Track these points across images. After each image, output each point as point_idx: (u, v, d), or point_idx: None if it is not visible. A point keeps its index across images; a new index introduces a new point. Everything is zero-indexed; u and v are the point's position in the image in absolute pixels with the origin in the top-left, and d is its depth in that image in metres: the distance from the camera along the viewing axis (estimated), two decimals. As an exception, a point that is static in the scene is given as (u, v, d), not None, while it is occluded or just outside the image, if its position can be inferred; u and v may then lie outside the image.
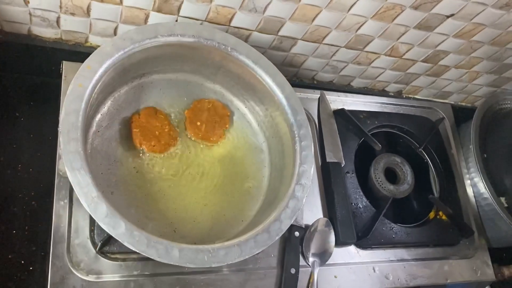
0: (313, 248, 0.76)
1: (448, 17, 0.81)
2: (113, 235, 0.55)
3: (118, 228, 0.55)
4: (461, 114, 1.09)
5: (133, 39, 0.66)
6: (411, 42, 0.88)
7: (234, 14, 0.77)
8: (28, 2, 0.71)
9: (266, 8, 0.75)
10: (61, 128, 0.58)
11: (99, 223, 0.55)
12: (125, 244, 0.55)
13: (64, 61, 0.74)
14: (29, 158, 0.78)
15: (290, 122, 0.73)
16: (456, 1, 0.77)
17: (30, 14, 0.74)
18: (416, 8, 0.78)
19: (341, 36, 0.84)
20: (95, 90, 0.62)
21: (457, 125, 1.06)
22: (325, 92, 0.94)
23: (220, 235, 0.70)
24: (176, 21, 0.77)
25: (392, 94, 1.08)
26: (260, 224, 0.65)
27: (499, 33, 0.87)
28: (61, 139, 0.57)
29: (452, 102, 1.14)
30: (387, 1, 0.76)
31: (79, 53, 0.82)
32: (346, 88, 1.04)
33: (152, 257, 0.56)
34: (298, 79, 1.00)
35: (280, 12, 0.77)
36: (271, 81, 0.74)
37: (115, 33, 0.80)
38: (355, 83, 1.04)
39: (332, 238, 0.78)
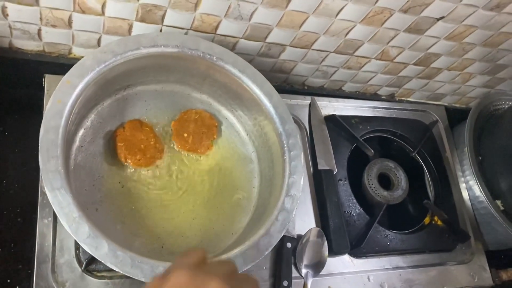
0: (306, 259, 0.75)
1: (438, 19, 0.79)
2: (95, 256, 0.53)
3: (100, 249, 0.53)
4: (455, 116, 1.08)
5: (115, 51, 0.64)
6: (401, 46, 0.87)
7: (219, 22, 0.75)
8: (7, 15, 0.69)
9: (252, 15, 0.74)
10: (40, 146, 0.56)
11: (80, 244, 0.53)
12: (108, 265, 0.53)
13: (46, 75, 0.73)
14: (14, 173, 0.76)
15: (278, 131, 0.72)
16: (446, 3, 0.75)
17: (10, 27, 0.72)
18: (405, 11, 0.76)
19: (330, 41, 0.83)
20: (76, 105, 0.60)
21: (451, 127, 1.05)
22: (316, 97, 0.92)
23: (209, 249, 0.68)
24: (161, 30, 0.75)
25: (385, 98, 1.07)
26: (249, 238, 0.63)
27: (491, 34, 0.86)
28: (40, 157, 0.55)
29: (446, 104, 1.13)
30: (375, 5, 0.74)
31: (63, 64, 0.80)
32: (337, 93, 1.02)
33: (137, 278, 0.54)
34: (288, 85, 0.98)
35: (266, 19, 0.75)
36: (259, 90, 0.73)
37: (98, 44, 0.78)
38: (347, 88, 1.02)
39: (325, 248, 0.77)
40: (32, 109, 0.80)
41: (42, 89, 0.73)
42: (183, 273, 0.38)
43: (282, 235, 0.64)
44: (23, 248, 0.71)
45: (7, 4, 0.67)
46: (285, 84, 0.98)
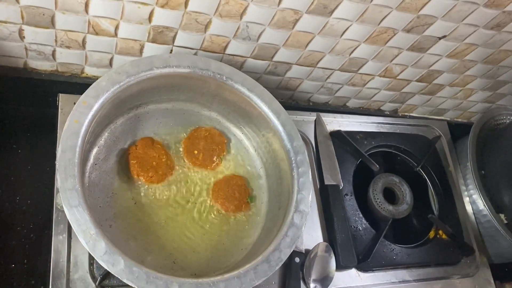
0: (314, 274, 0.76)
1: (440, 38, 0.82)
2: (112, 272, 0.55)
3: (117, 265, 0.55)
4: (458, 130, 1.10)
5: (129, 72, 0.66)
6: (404, 63, 0.89)
7: (228, 43, 0.77)
8: (24, 37, 0.72)
9: (260, 36, 0.76)
10: (58, 165, 0.58)
11: (97, 261, 0.55)
12: (124, 281, 0.55)
13: (60, 94, 0.75)
14: (27, 190, 0.77)
15: (286, 148, 0.74)
16: (447, 23, 0.77)
17: (26, 48, 0.75)
18: (408, 31, 0.79)
19: (335, 60, 0.85)
20: (91, 125, 0.62)
21: (454, 141, 1.07)
22: (321, 113, 0.94)
23: (219, 265, 0.69)
24: (171, 50, 0.78)
25: (388, 113, 1.09)
26: (259, 253, 0.65)
27: (491, 52, 0.88)
28: (58, 176, 0.57)
29: (448, 119, 1.15)
30: (379, 26, 0.76)
31: (76, 84, 0.83)
32: (342, 109, 1.05)
33: (152, 293, 0.56)
34: (294, 101, 1.00)
35: (273, 39, 0.77)
36: (267, 108, 0.75)
37: (110, 64, 0.80)
38: (351, 104, 1.04)
39: (333, 262, 0.78)
40: (45, 127, 0.82)
41: (55, 107, 0.75)
42: None
43: (292, 250, 0.65)
44: (36, 264, 0.72)
45: (24, 27, 0.69)
46: (291, 101, 1.00)
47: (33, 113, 0.83)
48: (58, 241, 0.66)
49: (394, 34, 0.79)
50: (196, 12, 0.69)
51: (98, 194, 0.68)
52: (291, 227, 0.67)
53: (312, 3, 0.69)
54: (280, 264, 0.64)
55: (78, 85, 0.83)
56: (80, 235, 0.55)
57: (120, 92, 0.66)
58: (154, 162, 0.72)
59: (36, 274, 0.71)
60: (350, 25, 0.76)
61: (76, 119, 0.61)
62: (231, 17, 0.71)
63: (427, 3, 0.72)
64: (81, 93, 0.65)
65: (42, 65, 0.80)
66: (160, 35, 0.74)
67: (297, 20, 0.73)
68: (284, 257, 0.64)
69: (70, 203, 0.56)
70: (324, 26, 0.75)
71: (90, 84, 0.66)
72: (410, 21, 0.76)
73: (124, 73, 0.66)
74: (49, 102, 0.80)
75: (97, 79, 0.65)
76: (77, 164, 0.58)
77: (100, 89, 0.64)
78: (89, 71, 0.82)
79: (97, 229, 0.56)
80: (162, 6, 0.68)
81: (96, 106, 0.62)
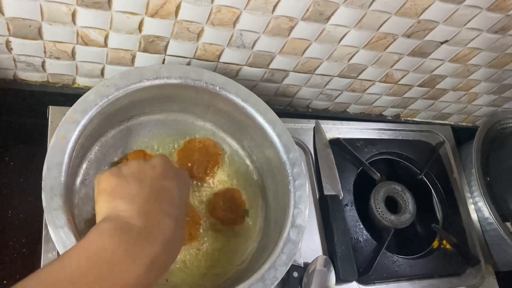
0: (312, 288, 0.74)
1: (442, 43, 0.79)
2: (99, 296, 0.53)
3: None
4: (462, 135, 1.07)
5: (117, 85, 0.64)
6: (406, 69, 0.86)
7: (222, 51, 0.75)
8: (12, 49, 0.70)
9: (254, 43, 0.74)
10: (43, 184, 0.56)
11: (84, 284, 0.53)
12: (112, 304, 0.53)
13: (50, 106, 0.73)
14: (19, 203, 0.76)
15: (282, 160, 0.71)
16: (449, 28, 0.75)
17: (14, 60, 0.73)
18: (408, 36, 0.76)
19: (333, 66, 0.83)
20: (79, 140, 0.60)
21: (458, 146, 1.04)
22: (320, 120, 0.91)
23: (214, 282, 0.67)
24: (164, 60, 0.76)
25: (390, 118, 1.06)
26: (254, 270, 0.62)
27: (496, 56, 0.85)
28: (43, 195, 0.55)
29: (452, 123, 1.12)
30: (378, 31, 0.74)
31: (67, 94, 0.81)
32: (342, 115, 1.02)
33: (141, 316, 0.53)
34: (293, 108, 0.98)
35: (269, 47, 0.75)
36: (262, 118, 0.72)
37: (102, 74, 0.79)
38: (351, 109, 1.02)
39: (333, 276, 0.76)
40: (36, 139, 0.80)
41: (46, 118, 0.73)
42: (163, 159, 0.55)
43: (288, 268, 0.63)
44: (28, 280, 0.71)
45: (11, 38, 0.68)
46: (289, 107, 0.97)
47: (25, 125, 0.82)
48: (47, 259, 0.64)
49: (394, 40, 0.77)
50: (187, 21, 0.67)
51: (89, 210, 0.66)
52: (287, 243, 0.65)
53: (308, 10, 0.67)
54: (276, 283, 0.61)
55: (70, 95, 0.81)
56: (66, 257, 0.53)
57: (109, 106, 0.63)
58: (146, 176, 0.70)
59: (28, 290, 0.70)
60: (348, 32, 0.73)
61: (62, 135, 0.59)
62: (223, 25, 0.69)
63: (427, 8, 0.69)
64: (73, 104, 0.63)
65: (32, 76, 0.78)
66: (152, 45, 0.72)
67: (292, 28, 0.71)
68: (280, 275, 0.62)
69: (55, 223, 0.54)
70: (320, 33, 0.73)
71: (83, 94, 0.64)
72: (410, 26, 0.73)
73: (113, 85, 0.64)
74: (41, 113, 0.78)
75: (89, 89, 0.63)
76: (63, 183, 0.56)
77: (88, 103, 0.62)
78: (81, 81, 0.80)
79: (84, 251, 0.54)
80: (152, 16, 0.65)
81: (83, 121, 0.60)
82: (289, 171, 0.70)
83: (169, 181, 0.52)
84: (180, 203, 0.52)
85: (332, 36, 0.74)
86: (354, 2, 0.66)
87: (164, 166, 0.54)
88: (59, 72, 0.77)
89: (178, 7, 0.64)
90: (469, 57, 0.85)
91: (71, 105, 0.63)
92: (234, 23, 0.69)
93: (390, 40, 0.77)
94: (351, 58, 0.81)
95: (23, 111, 0.81)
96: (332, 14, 0.68)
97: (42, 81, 0.80)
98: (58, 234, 0.54)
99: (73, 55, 0.73)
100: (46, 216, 0.54)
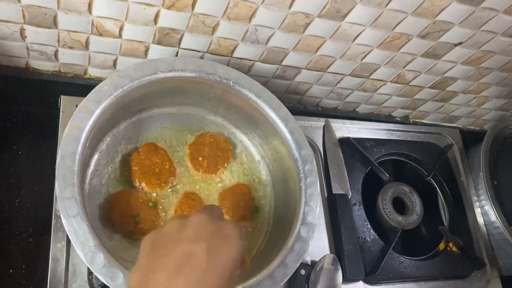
0: (320, 287, 0.73)
1: (456, 45, 0.79)
2: (110, 287, 0.52)
3: (116, 279, 0.53)
4: (470, 138, 1.07)
5: (132, 76, 0.64)
6: (418, 70, 0.86)
7: (236, 46, 0.75)
8: (26, 37, 0.69)
9: (269, 39, 0.74)
10: (57, 172, 0.55)
11: (96, 274, 0.52)
12: (123, 295, 0.53)
13: (62, 96, 0.72)
14: (27, 193, 0.75)
15: (294, 157, 0.71)
16: (464, 30, 0.74)
17: (27, 48, 0.72)
18: (423, 37, 0.76)
19: (346, 65, 0.82)
20: (93, 130, 0.60)
21: (466, 149, 1.03)
22: (330, 119, 0.91)
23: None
24: (177, 53, 0.75)
25: (399, 119, 1.06)
26: (264, 267, 0.62)
27: (509, 59, 0.85)
28: (56, 185, 0.55)
29: (460, 126, 1.12)
30: (393, 31, 0.74)
31: (78, 85, 0.81)
32: (351, 114, 1.02)
33: (151, 308, 0.53)
34: (302, 105, 0.97)
35: (283, 43, 0.75)
36: (275, 114, 0.72)
37: (114, 65, 0.78)
38: (361, 109, 1.01)
39: (339, 275, 0.76)
40: (46, 129, 0.80)
41: (57, 108, 0.73)
42: (202, 215, 0.45)
43: (298, 265, 0.63)
44: (34, 270, 0.70)
45: (26, 26, 0.67)
46: (299, 105, 0.97)
47: (34, 114, 0.81)
48: (56, 249, 0.64)
49: (409, 40, 0.76)
50: (204, 14, 0.67)
51: (99, 201, 0.66)
52: (298, 240, 0.64)
53: (325, 7, 0.66)
54: (286, 280, 0.61)
55: (81, 86, 0.80)
56: (78, 247, 0.53)
57: (123, 97, 0.63)
58: (156, 169, 0.70)
59: (35, 280, 0.69)
60: (363, 30, 0.73)
61: (76, 124, 0.58)
62: (239, 20, 0.68)
63: (444, 9, 0.69)
64: (84, 95, 0.63)
65: (45, 65, 0.77)
66: (166, 37, 0.71)
67: (308, 24, 0.70)
68: (290, 272, 0.62)
69: (68, 213, 0.54)
70: (336, 31, 0.72)
71: (94, 85, 0.64)
72: (426, 27, 0.73)
73: (127, 76, 0.63)
74: (51, 103, 0.78)
75: (101, 80, 0.63)
76: (76, 172, 0.56)
77: (102, 93, 0.61)
78: (93, 72, 0.80)
79: (96, 241, 0.54)
80: (169, 8, 0.65)
81: (97, 111, 0.60)
82: (300, 168, 0.70)
83: (196, 244, 0.43)
84: (212, 265, 0.42)
85: (347, 34, 0.74)
86: (372, 1, 0.66)
87: (197, 224, 0.44)
88: (72, 62, 0.77)
89: (195, 0, 0.64)
90: (482, 60, 0.84)
91: (81, 96, 0.63)
92: (250, 18, 0.68)
93: (405, 40, 0.76)
94: (364, 57, 0.80)
95: (33, 100, 0.81)
96: (349, 12, 0.68)
97: (54, 71, 0.79)
98: (70, 223, 0.53)
99: (86, 45, 0.72)
100: (59, 205, 0.54)
